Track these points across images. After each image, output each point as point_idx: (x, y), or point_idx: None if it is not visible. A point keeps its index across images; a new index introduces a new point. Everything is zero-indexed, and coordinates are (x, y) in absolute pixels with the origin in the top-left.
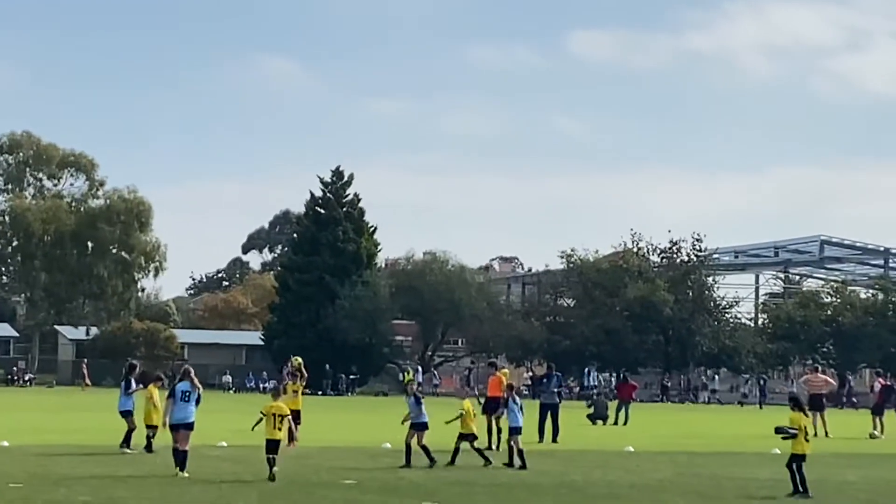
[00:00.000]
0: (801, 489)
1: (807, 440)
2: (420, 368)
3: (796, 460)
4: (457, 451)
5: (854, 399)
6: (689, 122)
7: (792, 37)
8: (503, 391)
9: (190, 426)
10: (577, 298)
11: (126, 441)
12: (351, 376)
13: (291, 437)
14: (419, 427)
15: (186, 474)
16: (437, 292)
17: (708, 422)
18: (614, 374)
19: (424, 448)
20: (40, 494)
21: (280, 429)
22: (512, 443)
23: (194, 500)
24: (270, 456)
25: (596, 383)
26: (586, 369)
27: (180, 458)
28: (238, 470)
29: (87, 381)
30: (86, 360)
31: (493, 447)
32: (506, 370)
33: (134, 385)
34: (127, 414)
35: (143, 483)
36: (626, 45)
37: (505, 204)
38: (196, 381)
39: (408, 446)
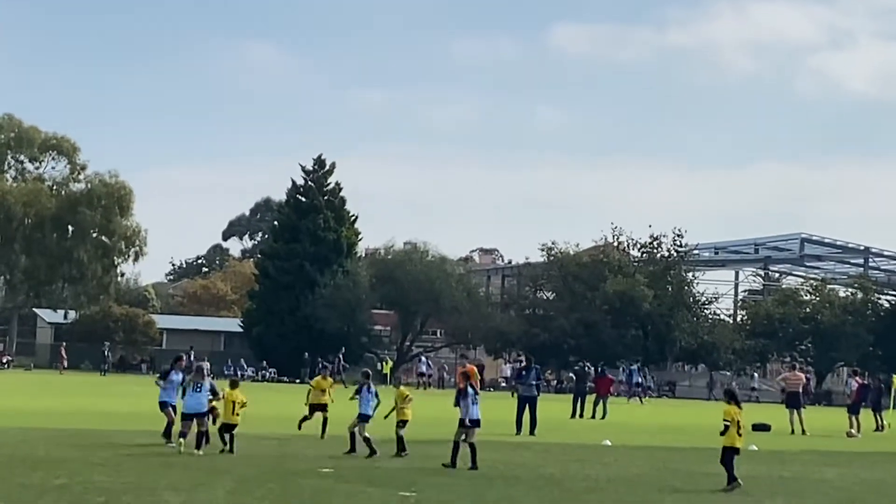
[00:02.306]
0: (731, 480)
1: (739, 434)
2: (424, 359)
3: (728, 453)
4: (399, 439)
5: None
6: (672, 117)
7: (774, 34)
8: (469, 382)
9: (203, 415)
10: (556, 291)
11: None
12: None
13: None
14: (363, 418)
15: (201, 452)
16: (416, 283)
17: (685, 416)
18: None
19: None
20: (16, 477)
21: (238, 414)
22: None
23: (171, 485)
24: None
25: (640, 380)
26: (633, 367)
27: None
28: (215, 455)
29: (65, 364)
30: (64, 344)
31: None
32: (473, 364)
33: (176, 376)
34: (165, 406)
35: (119, 468)
36: (608, 40)
37: (486, 196)
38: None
39: (352, 434)
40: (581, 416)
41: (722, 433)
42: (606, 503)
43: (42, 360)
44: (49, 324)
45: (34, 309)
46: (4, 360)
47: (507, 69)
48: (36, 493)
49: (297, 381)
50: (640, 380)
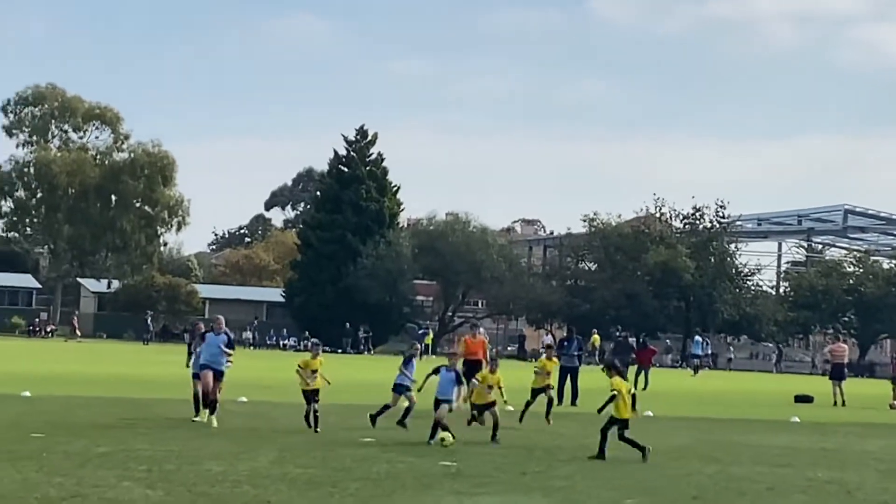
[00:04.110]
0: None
1: (634, 408)
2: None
3: (619, 424)
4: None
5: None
6: (713, 88)
7: (817, 5)
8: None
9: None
10: (598, 262)
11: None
12: (365, 335)
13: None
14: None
15: (200, 418)
16: (458, 253)
17: (727, 388)
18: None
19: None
20: (60, 445)
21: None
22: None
23: (214, 453)
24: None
25: (701, 352)
26: (697, 338)
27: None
28: (258, 425)
29: (78, 332)
30: (77, 312)
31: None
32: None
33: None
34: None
35: (162, 436)
36: (650, 9)
37: (528, 166)
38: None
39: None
40: None
41: (602, 408)
42: (648, 474)
43: (86, 329)
44: (93, 293)
45: (78, 278)
46: (48, 329)
47: (548, 39)
48: (78, 461)
49: (339, 351)
50: (699, 352)
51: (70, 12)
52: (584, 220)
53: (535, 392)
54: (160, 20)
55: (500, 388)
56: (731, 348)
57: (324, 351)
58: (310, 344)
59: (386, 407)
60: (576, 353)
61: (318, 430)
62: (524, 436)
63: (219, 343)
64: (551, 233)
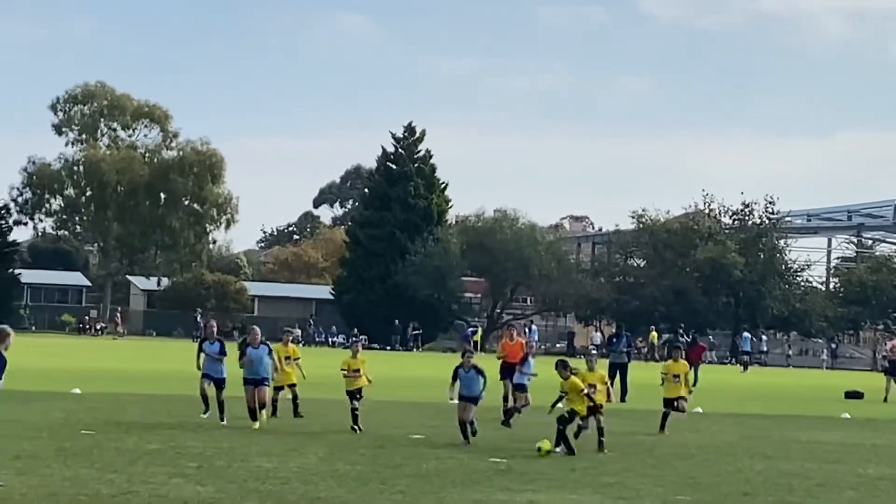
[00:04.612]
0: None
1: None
2: (535, 327)
3: (575, 417)
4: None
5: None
6: (761, 84)
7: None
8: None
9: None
10: (647, 259)
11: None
12: (414, 332)
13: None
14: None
15: (257, 425)
16: (506, 250)
17: (777, 384)
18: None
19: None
20: (111, 441)
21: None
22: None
23: (264, 450)
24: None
25: (749, 349)
26: (745, 334)
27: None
28: (307, 422)
29: (120, 329)
30: (119, 309)
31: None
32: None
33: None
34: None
35: (212, 433)
36: (697, 5)
37: (576, 163)
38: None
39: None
40: None
41: (554, 404)
42: (698, 470)
43: (135, 326)
44: (142, 291)
45: (127, 276)
46: (98, 327)
47: (595, 36)
48: (130, 457)
49: (388, 348)
50: (748, 348)
51: (119, 10)
52: (633, 217)
53: (669, 402)
54: (209, 18)
55: (605, 385)
56: (789, 346)
57: (372, 348)
58: (349, 342)
59: (511, 400)
60: (625, 350)
61: (357, 428)
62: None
63: (261, 356)
64: (600, 229)
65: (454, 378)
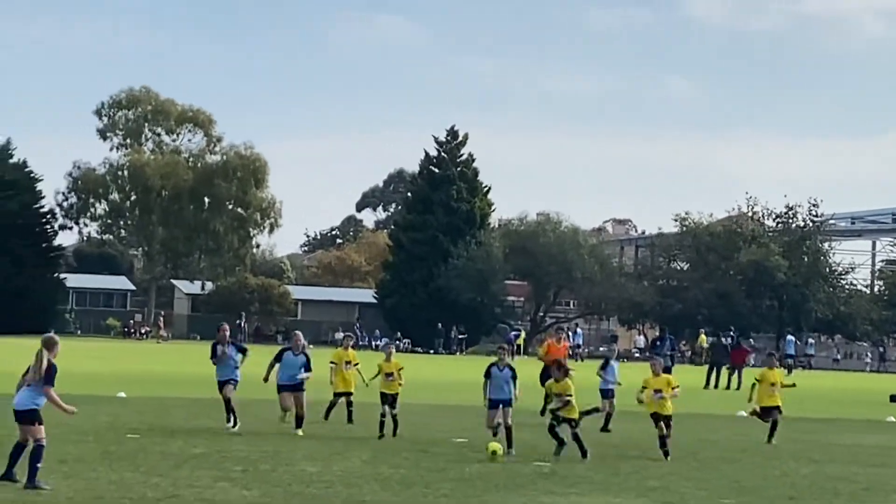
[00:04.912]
0: (562, 447)
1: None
2: (580, 331)
3: (571, 423)
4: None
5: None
6: (805, 85)
7: None
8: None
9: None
10: (690, 262)
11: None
12: (460, 335)
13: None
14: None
15: (300, 432)
16: (549, 253)
17: (822, 387)
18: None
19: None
20: (157, 445)
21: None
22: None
23: (308, 454)
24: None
25: (793, 352)
26: (789, 337)
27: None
28: (350, 426)
29: (163, 332)
30: (162, 313)
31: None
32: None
33: (222, 350)
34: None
35: (257, 436)
36: (740, 7)
37: (619, 166)
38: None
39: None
40: (716, 386)
41: (560, 408)
42: (743, 474)
43: (179, 330)
44: (186, 295)
45: (172, 280)
46: (143, 331)
47: (638, 37)
48: (175, 461)
49: (431, 351)
50: (792, 351)
51: (163, 15)
52: (676, 220)
53: (766, 411)
54: (251, 22)
55: (672, 388)
56: (837, 349)
57: (415, 351)
58: (381, 345)
59: (595, 409)
60: (668, 353)
61: (396, 433)
62: (617, 436)
63: (298, 364)
64: (643, 232)
65: (487, 376)
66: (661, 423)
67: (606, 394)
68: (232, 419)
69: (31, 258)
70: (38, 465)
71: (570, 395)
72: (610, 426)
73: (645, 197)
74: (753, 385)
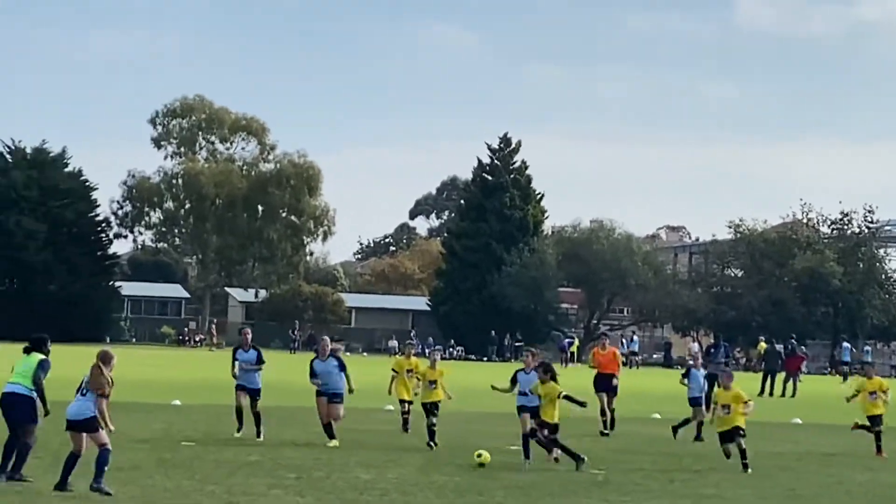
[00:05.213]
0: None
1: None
2: (636, 338)
3: (551, 428)
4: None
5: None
6: (859, 91)
7: None
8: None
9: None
10: (744, 269)
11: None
12: (516, 343)
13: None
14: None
15: (333, 443)
16: (603, 261)
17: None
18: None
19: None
20: (211, 453)
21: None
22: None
23: (362, 461)
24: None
25: (849, 359)
26: (844, 344)
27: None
28: (404, 434)
29: (216, 340)
30: (215, 321)
31: (607, 430)
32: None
33: (246, 355)
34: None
35: (310, 444)
36: (793, 12)
37: (672, 172)
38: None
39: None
40: (771, 393)
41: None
42: (798, 482)
43: (234, 338)
44: (240, 302)
45: (226, 288)
46: (197, 339)
47: (689, 43)
48: (229, 469)
49: (484, 358)
50: (848, 358)
51: (216, 23)
52: (730, 226)
53: (874, 420)
54: (304, 30)
55: (745, 404)
56: (893, 356)
57: (468, 359)
58: (427, 352)
59: (686, 421)
60: (723, 360)
61: (433, 444)
62: (671, 442)
63: (330, 369)
64: (696, 239)
65: (513, 382)
66: (732, 440)
67: (694, 402)
68: (255, 429)
69: (86, 266)
70: (105, 467)
71: (558, 397)
72: (703, 435)
73: (698, 204)
74: (852, 396)
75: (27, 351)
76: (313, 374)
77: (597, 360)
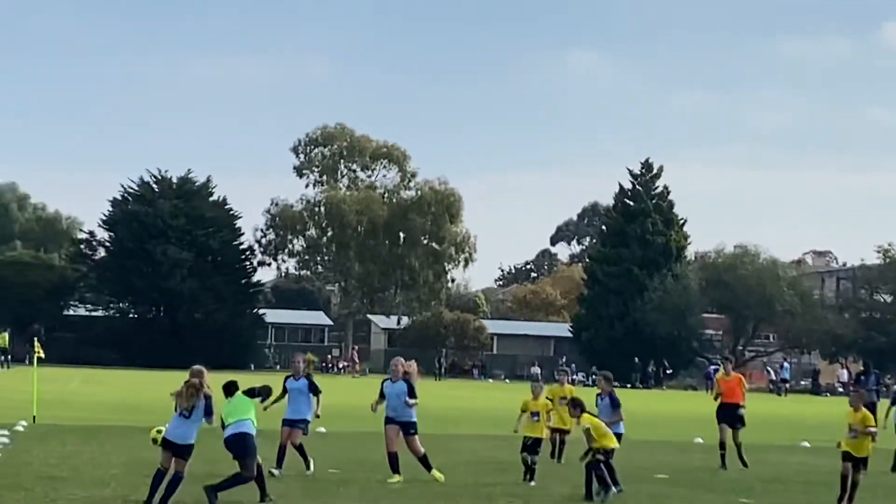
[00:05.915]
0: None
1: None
2: (787, 365)
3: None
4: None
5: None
6: None
7: None
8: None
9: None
10: (894, 294)
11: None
12: (666, 371)
13: None
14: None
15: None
16: (747, 286)
17: None
18: None
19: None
20: (356, 479)
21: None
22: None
23: (507, 490)
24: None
25: None
26: None
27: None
28: (552, 462)
29: (357, 367)
30: (356, 347)
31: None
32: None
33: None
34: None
35: (454, 471)
36: None
37: (817, 197)
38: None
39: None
40: None
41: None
42: None
43: (377, 365)
44: (382, 329)
45: (368, 315)
46: (340, 366)
47: (833, 68)
48: (372, 496)
49: (628, 385)
50: None
51: (357, 52)
52: (878, 251)
53: None
54: (444, 58)
55: (866, 427)
56: None
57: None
58: (530, 382)
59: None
60: (874, 388)
61: (528, 479)
62: (821, 470)
63: (397, 392)
64: (844, 264)
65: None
66: (852, 465)
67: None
68: (304, 462)
69: (231, 294)
70: (174, 495)
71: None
72: None
73: (845, 228)
74: None
75: (230, 393)
76: (383, 398)
77: (720, 388)
